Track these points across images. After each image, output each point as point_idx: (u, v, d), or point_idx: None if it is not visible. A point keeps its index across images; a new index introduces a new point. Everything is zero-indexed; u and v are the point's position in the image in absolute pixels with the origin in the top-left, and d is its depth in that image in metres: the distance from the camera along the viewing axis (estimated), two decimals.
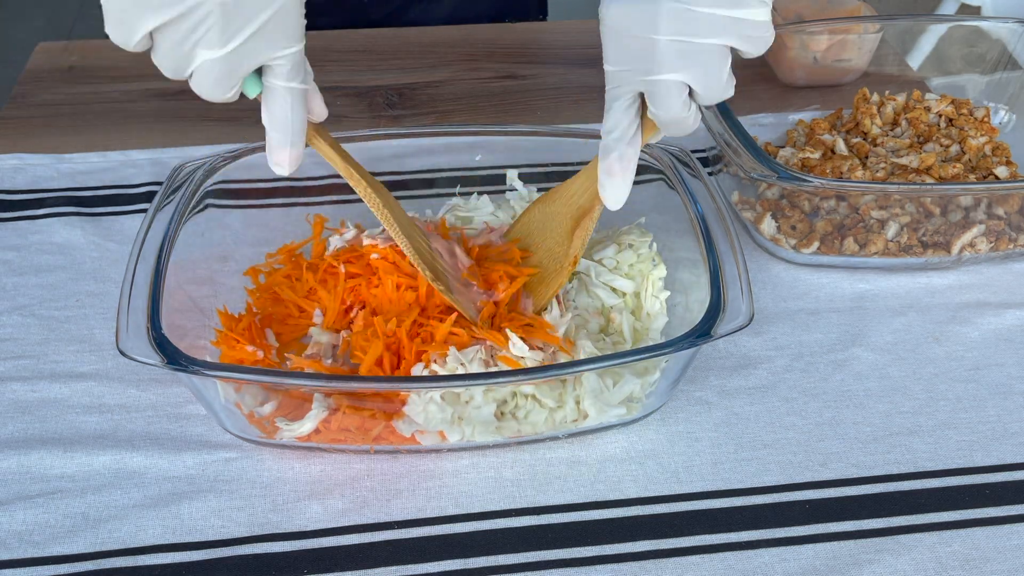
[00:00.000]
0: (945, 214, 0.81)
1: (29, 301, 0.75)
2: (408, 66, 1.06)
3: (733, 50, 0.55)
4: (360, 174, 0.64)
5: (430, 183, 0.81)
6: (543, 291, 0.67)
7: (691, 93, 0.56)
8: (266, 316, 0.68)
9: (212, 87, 0.53)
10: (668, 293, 0.70)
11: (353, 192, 0.79)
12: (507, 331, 0.63)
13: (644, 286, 0.70)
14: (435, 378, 0.61)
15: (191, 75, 0.53)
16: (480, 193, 0.77)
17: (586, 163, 0.69)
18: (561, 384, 0.63)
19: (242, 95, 0.56)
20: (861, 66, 0.99)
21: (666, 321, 0.69)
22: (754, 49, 0.55)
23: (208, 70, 0.52)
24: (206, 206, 0.70)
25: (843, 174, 0.83)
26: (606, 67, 0.58)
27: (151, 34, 0.52)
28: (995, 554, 0.60)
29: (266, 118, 0.56)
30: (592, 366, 0.60)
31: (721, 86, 0.56)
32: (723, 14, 0.53)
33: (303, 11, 0.54)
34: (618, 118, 0.59)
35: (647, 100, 0.57)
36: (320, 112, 0.60)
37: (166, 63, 0.53)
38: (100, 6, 0.51)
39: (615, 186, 0.61)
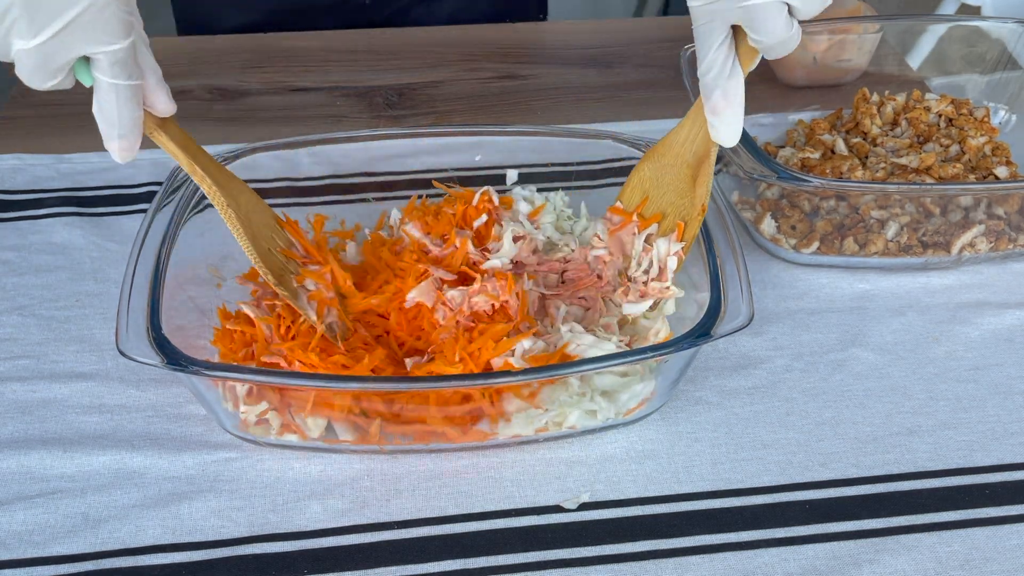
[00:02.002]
0: (945, 214, 0.81)
1: (29, 301, 0.75)
2: (408, 66, 1.06)
3: None
4: (207, 170, 0.61)
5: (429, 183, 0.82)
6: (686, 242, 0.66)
7: (790, 11, 0.55)
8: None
9: (30, 75, 0.53)
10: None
11: (353, 192, 0.79)
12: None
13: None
14: (436, 378, 0.61)
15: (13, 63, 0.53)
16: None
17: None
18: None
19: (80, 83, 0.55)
20: (861, 66, 0.99)
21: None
22: None
23: (24, 59, 0.52)
24: (206, 206, 0.70)
25: (843, 174, 0.83)
26: (692, 3, 0.56)
27: None
28: (995, 554, 0.60)
29: (95, 109, 0.55)
30: (592, 366, 0.60)
31: None
32: None
33: (130, 9, 0.53)
34: (713, 55, 0.57)
35: (746, 28, 0.56)
36: (164, 108, 0.59)
37: None
38: None
39: (726, 124, 0.59)
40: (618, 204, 0.70)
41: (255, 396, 0.62)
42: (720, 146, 0.62)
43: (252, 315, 0.64)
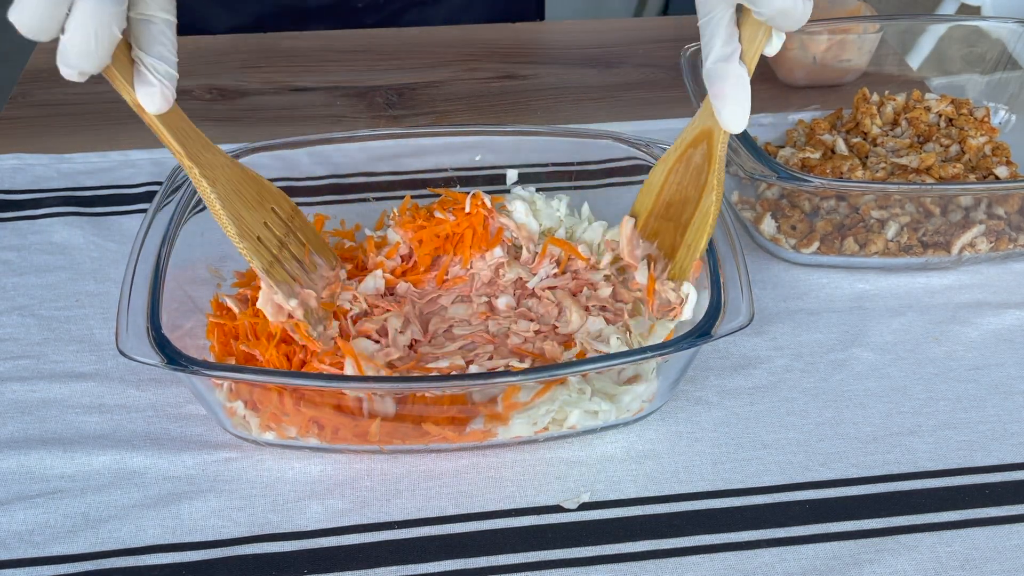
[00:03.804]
0: (945, 214, 0.81)
1: (29, 301, 0.75)
2: (408, 66, 1.06)
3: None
4: (179, 135, 0.57)
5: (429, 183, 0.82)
6: (700, 236, 0.65)
7: None
8: None
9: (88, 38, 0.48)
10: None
11: (353, 192, 0.79)
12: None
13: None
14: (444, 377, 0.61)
15: None
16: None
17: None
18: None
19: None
20: (861, 66, 0.99)
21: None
22: None
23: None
24: (206, 206, 0.70)
25: (843, 174, 0.83)
26: None
27: None
28: (995, 554, 0.60)
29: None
30: (592, 366, 0.60)
31: None
32: None
33: None
34: (713, 38, 0.56)
35: (748, 4, 0.55)
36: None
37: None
38: None
39: (731, 109, 0.58)
40: (628, 221, 0.70)
41: (234, 393, 0.62)
42: (729, 135, 0.61)
43: (234, 308, 0.64)
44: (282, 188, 0.77)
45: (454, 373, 0.63)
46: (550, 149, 0.77)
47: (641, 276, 0.68)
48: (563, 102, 1.01)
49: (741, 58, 0.57)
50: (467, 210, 0.72)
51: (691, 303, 0.66)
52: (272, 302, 0.62)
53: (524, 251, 0.73)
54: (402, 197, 0.75)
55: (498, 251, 0.71)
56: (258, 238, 0.62)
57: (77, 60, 0.49)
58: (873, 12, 1.02)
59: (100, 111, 0.98)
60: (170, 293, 0.62)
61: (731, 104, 0.58)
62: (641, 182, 0.70)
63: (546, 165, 0.78)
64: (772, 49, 0.58)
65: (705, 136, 0.64)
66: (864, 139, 0.89)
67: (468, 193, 0.73)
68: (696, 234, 0.65)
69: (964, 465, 0.66)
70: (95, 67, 0.50)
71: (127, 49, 0.53)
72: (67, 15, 0.48)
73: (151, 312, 0.59)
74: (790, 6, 0.54)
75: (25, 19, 0.47)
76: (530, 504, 0.62)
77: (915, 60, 1.02)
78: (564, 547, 0.60)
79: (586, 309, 0.68)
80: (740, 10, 0.57)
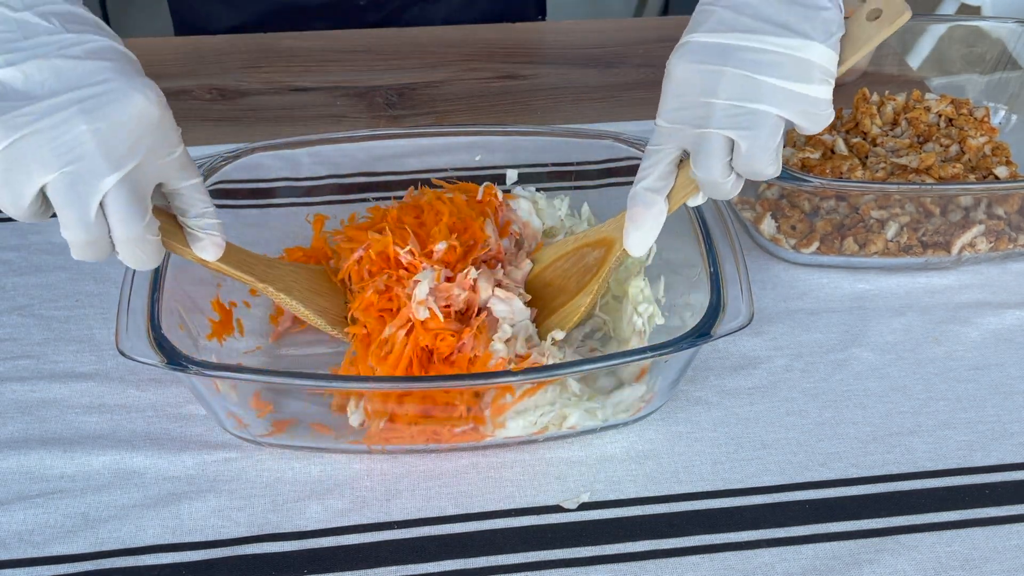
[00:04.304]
0: (945, 214, 0.80)
1: (29, 301, 0.75)
2: (408, 66, 1.06)
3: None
4: (248, 268, 0.62)
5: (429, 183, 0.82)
6: (563, 326, 0.67)
7: (733, 159, 0.56)
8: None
9: (125, 220, 0.51)
10: (652, 308, 0.70)
11: (353, 192, 0.79)
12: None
13: (626, 303, 0.70)
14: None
15: (102, 208, 0.50)
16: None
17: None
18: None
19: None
20: (861, 66, 0.99)
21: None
22: (811, 125, 0.55)
23: (115, 195, 0.50)
24: None
25: (843, 174, 0.83)
26: (658, 122, 0.58)
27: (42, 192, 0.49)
28: (995, 554, 0.60)
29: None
30: (591, 366, 0.60)
31: (767, 155, 0.55)
32: (785, 87, 0.53)
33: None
34: (652, 168, 0.59)
35: (691, 158, 0.57)
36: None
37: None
38: (99, 4, 0.51)
39: (640, 235, 0.61)
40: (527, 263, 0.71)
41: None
42: (628, 255, 0.63)
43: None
44: (282, 188, 0.77)
45: (454, 373, 0.63)
46: (550, 149, 0.77)
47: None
48: (563, 102, 1.01)
49: (668, 196, 0.60)
50: (480, 197, 0.72)
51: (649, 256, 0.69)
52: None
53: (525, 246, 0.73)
54: (402, 197, 0.75)
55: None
56: (345, 316, 0.67)
57: (135, 264, 0.54)
58: None
59: None
60: (170, 293, 0.62)
61: (641, 230, 0.61)
62: None
63: (546, 165, 0.78)
64: (695, 202, 0.61)
65: (605, 244, 0.66)
66: (864, 139, 0.89)
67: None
68: (560, 323, 0.67)
69: (964, 465, 0.66)
70: (155, 264, 0.54)
71: (174, 219, 0.56)
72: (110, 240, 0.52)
73: (151, 312, 0.59)
74: (721, 181, 0.57)
75: (84, 257, 0.52)
76: (530, 504, 0.62)
77: (915, 60, 1.02)
78: (564, 547, 0.60)
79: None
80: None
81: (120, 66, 0.50)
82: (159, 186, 0.53)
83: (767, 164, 0.55)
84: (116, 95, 0.49)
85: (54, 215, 0.50)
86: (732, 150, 0.55)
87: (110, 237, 0.51)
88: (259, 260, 0.63)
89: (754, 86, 0.53)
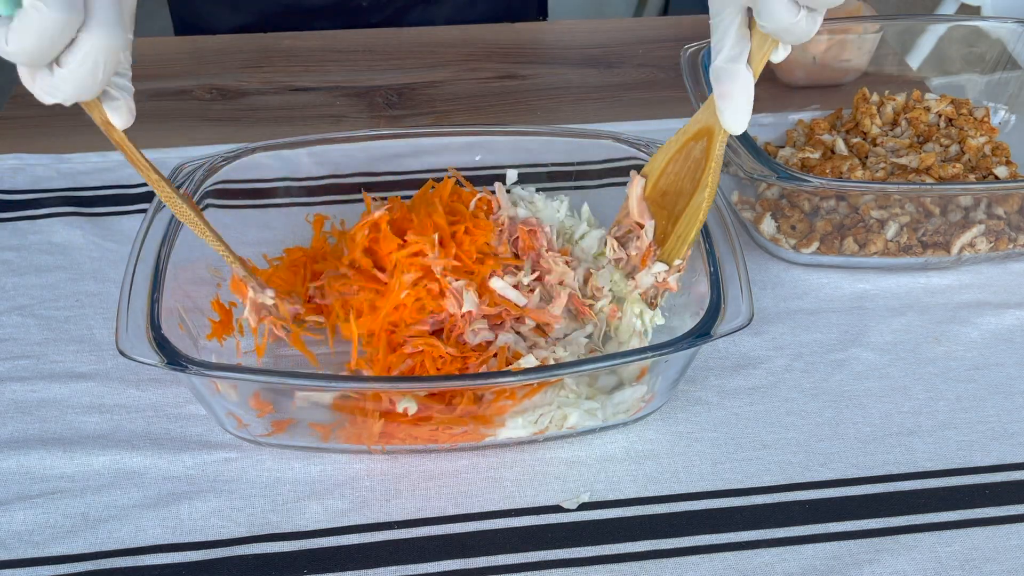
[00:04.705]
0: (945, 214, 0.81)
1: (29, 301, 0.75)
2: (408, 66, 1.06)
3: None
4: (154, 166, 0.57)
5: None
6: (690, 229, 0.66)
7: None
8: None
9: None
10: (652, 313, 0.70)
11: (353, 192, 0.79)
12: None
13: (627, 304, 0.70)
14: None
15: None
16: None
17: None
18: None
19: None
20: (861, 66, 0.99)
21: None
22: None
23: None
24: (206, 206, 0.70)
25: (843, 174, 0.83)
26: None
27: None
28: (995, 554, 0.60)
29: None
30: (591, 366, 0.60)
31: None
32: None
33: None
34: (722, 39, 0.57)
35: (755, 10, 0.55)
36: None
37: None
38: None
39: (734, 109, 0.59)
40: (639, 180, 0.70)
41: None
42: (729, 134, 0.62)
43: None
44: (282, 188, 0.77)
45: (453, 374, 0.63)
46: (550, 149, 0.77)
47: (648, 236, 0.69)
48: (563, 102, 1.01)
49: (748, 61, 0.57)
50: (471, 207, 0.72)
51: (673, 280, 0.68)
52: (254, 303, 0.65)
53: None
54: (401, 197, 0.75)
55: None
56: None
57: (76, 91, 0.47)
58: (873, 12, 1.02)
59: None
60: (170, 293, 0.62)
61: (734, 105, 0.58)
62: None
63: (546, 165, 0.78)
64: (778, 57, 0.58)
65: (706, 133, 0.64)
66: (864, 139, 0.89)
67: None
68: (687, 227, 0.66)
69: (964, 465, 0.66)
70: (92, 95, 0.48)
71: None
72: (69, 45, 0.45)
73: (151, 312, 0.59)
74: (791, 23, 0.54)
75: (24, 52, 0.44)
76: (530, 504, 0.62)
77: (915, 60, 1.02)
78: (564, 547, 0.60)
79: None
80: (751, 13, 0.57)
81: None
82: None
83: None
84: None
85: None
86: None
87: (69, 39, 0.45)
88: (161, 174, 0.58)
89: None
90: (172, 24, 1.21)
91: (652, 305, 0.68)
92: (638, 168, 0.71)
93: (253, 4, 1.13)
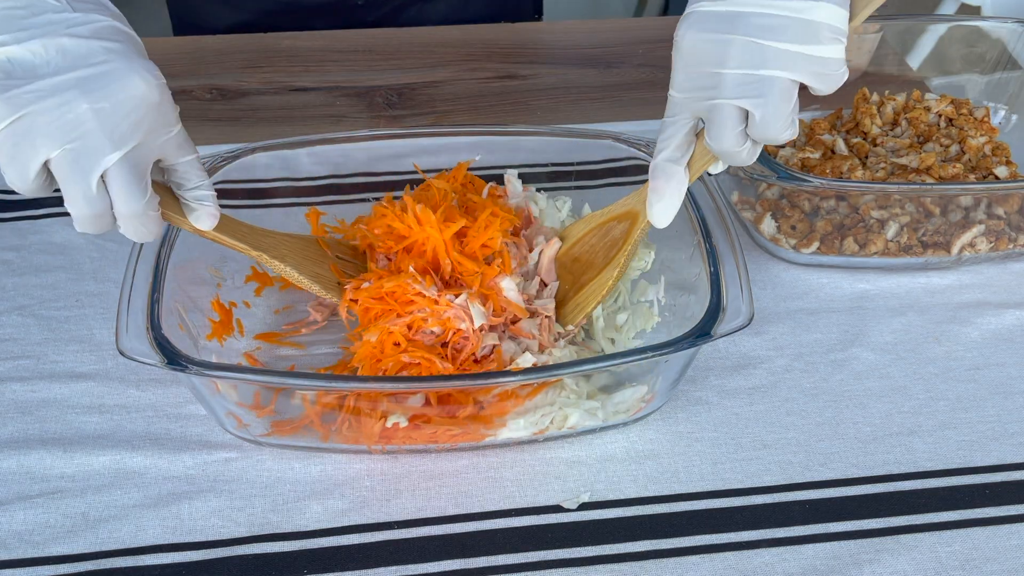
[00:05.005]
0: (945, 214, 0.80)
1: (29, 301, 0.75)
2: (408, 66, 1.06)
3: (802, 86, 0.54)
4: (243, 238, 0.63)
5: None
6: (589, 301, 0.68)
7: (748, 126, 0.55)
8: None
9: (127, 185, 0.52)
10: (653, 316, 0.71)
11: (353, 192, 0.79)
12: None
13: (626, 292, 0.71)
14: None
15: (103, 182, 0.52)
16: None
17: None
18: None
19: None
20: (861, 66, 0.99)
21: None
22: (825, 87, 0.54)
23: (117, 172, 0.51)
24: None
25: (843, 174, 0.83)
26: (671, 93, 0.58)
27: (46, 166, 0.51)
28: (995, 554, 0.60)
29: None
30: (591, 366, 0.60)
31: (782, 121, 0.54)
32: (793, 49, 0.52)
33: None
34: (669, 140, 0.59)
35: (705, 128, 0.57)
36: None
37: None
38: None
39: (663, 206, 0.61)
40: (556, 242, 0.72)
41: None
42: (651, 226, 0.64)
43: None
44: (282, 188, 0.77)
45: (452, 374, 0.63)
46: (550, 149, 0.77)
47: (550, 294, 0.70)
48: (563, 102, 1.01)
49: (688, 165, 0.60)
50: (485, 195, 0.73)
51: (648, 260, 0.72)
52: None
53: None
54: (400, 197, 0.75)
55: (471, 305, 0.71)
56: (338, 283, 0.68)
57: (141, 238, 0.55)
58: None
59: None
60: (170, 293, 0.62)
61: (664, 202, 0.61)
62: (641, 182, 0.70)
63: (546, 165, 0.78)
64: (715, 169, 0.61)
65: (630, 217, 0.67)
66: (864, 139, 0.89)
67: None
68: (588, 297, 0.68)
69: (964, 465, 0.66)
70: (155, 236, 0.55)
71: (170, 191, 0.58)
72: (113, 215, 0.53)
73: (151, 312, 0.59)
74: (735, 150, 0.56)
75: (86, 230, 0.53)
76: (530, 504, 0.62)
77: (915, 60, 1.02)
78: (564, 547, 0.60)
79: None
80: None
81: (124, 48, 0.51)
82: (157, 161, 0.55)
83: (782, 129, 0.55)
84: (117, 76, 0.50)
85: (57, 190, 0.52)
86: (747, 118, 0.55)
87: (112, 212, 0.52)
88: (253, 230, 0.65)
89: (762, 52, 0.52)
90: (171, 23, 1.21)
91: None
92: (639, 168, 0.72)
93: (250, 2, 1.13)
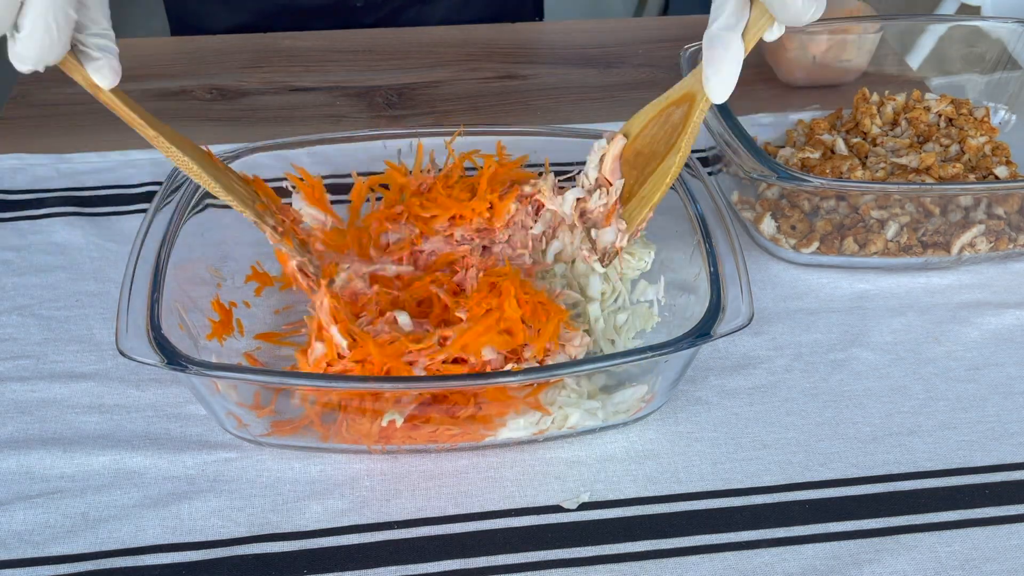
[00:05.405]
0: (945, 214, 0.81)
1: (29, 301, 0.75)
2: (408, 66, 1.06)
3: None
4: (165, 130, 0.59)
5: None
6: (654, 191, 0.66)
7: None
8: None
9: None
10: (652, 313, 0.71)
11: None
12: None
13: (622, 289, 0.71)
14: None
15: None
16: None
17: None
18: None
19: None
20: (861, 66, 0.99)
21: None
22: None
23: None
24: (206, 206, 0.70)
25: (843, 174, 0.83)
26: None
27: None
28: (995, 554, 0.60)
29: None
30: (591, 366, 0.60)
31: None
32: None
33: None
34: (722, 6, 0.57)
35: None
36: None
37: None
38: None
39: (720, 78, 0.58)
40: (620, 139, 0.70)
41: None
42: (711, 104, 0.61)
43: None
44: (282, 188, 0.77)
45: (452, 374, 0.63)
46: (550, 149, 0.77)
47: (615, 194, 0.69)
48: (563, 102, 1.01)
49: (743, 33, 0.57)
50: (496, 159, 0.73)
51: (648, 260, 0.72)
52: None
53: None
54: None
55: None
56: (253, 202, 0.64)
57: (38, 53, 0.49)
58: (873, 12, 1.02)
59: (100, 111, 0.97)
60: (170, 293, 0.62)
61: (722, 73, 0.58)
62: None
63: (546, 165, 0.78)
64: (771, 35, 0.58)
65: (688, 99, 0.64)
66: (864, 139, 0.89)
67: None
68: (651, 188, 0.65)
69: (964, 465, 0.66)
70: (57, 56, 0.49)
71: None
72: (20, 10, 0.47)
73: (151, 312, 0.59)
74: (792, 2, 0.54)
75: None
76: (530, 504, 0.62)
77: (915, 60, 1.02)
78: (564, 547, 0.60)
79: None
80: None
81: None
82: None
83: None
84: None
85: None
86: None
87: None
88: (164, 125, 0.60)
89: None
90: (168, 24, 1.21)
91: (604, 264, 0.68)
92: None
93: (249, 3, 1.13)
